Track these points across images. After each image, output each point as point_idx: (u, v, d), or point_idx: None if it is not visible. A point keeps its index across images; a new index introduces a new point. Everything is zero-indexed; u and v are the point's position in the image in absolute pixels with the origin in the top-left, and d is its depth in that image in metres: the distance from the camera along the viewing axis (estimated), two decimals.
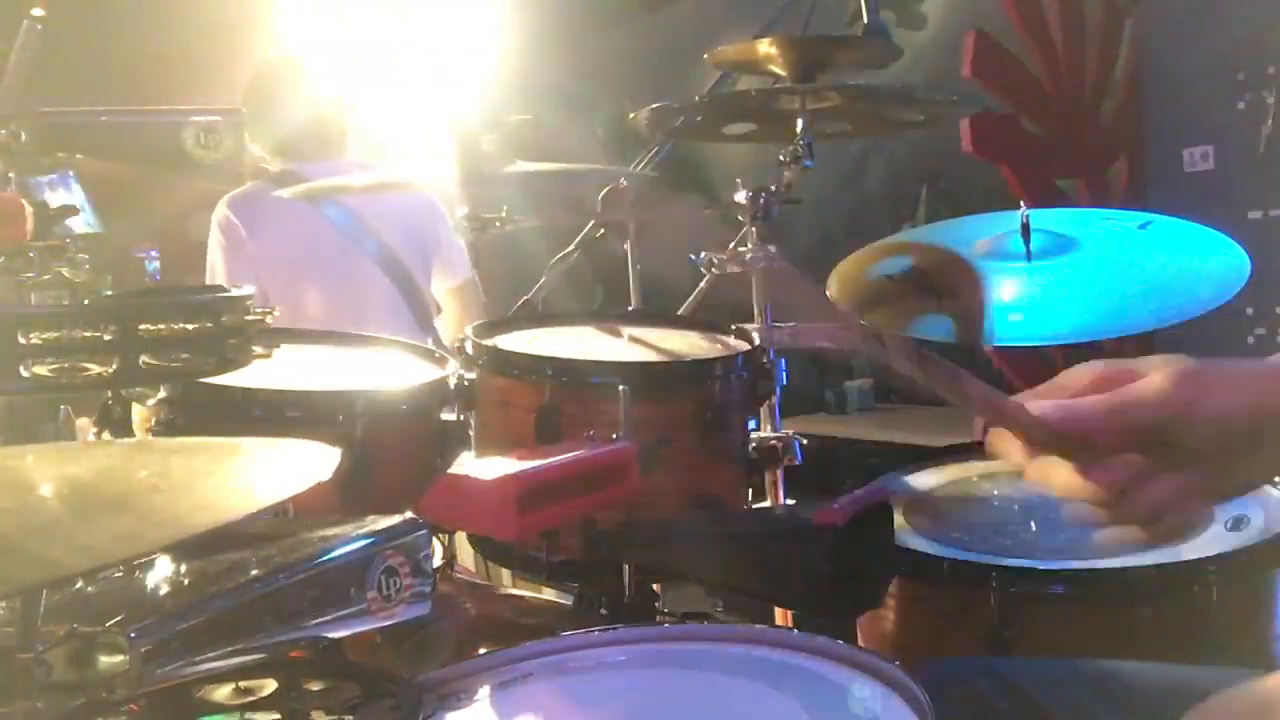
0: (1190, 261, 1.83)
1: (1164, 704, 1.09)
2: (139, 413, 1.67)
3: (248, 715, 1.03)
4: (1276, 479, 1.38)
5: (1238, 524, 1.55)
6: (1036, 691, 1.23)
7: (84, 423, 1.79)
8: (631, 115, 2.05)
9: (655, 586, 1.69)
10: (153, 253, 4.41)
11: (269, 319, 1.34)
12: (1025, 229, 1.86)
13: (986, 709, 1.20)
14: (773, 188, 1.98)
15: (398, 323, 2.92)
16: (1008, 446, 0.97)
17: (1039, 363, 3.65)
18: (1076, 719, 1.19)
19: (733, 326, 1.94)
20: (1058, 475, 0.94)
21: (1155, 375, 0.93)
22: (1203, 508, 0.97)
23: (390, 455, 1.68)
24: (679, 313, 2.24)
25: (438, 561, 1.77)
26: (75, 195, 3.74)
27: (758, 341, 1.88)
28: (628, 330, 1.93)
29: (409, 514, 1.24)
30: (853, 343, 1.27)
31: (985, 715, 1.20)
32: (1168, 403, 0.91)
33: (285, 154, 3.03)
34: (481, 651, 1.24)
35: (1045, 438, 0.94)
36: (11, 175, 1.78)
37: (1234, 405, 0.91)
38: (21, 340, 1.12)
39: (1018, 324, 1.86)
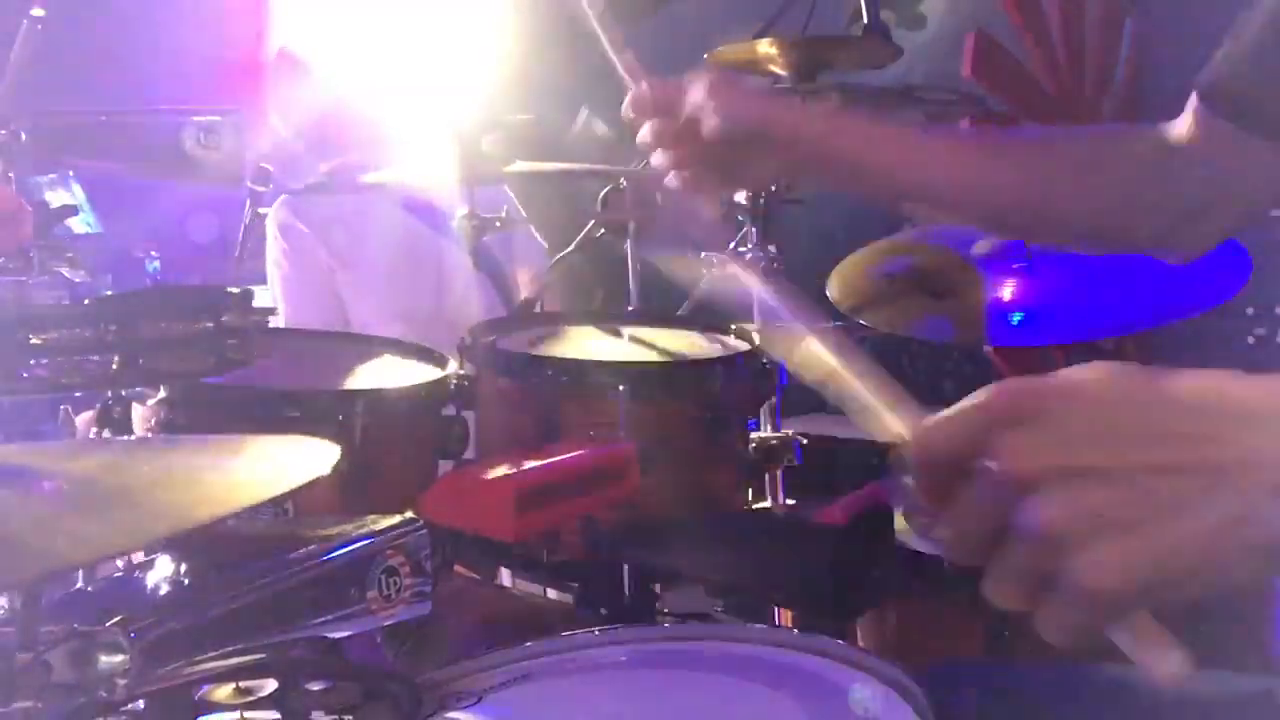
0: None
1: (1163, 710, 1.10)
2: (139, 413, 1.67)
3: (247, 715, 1.03)
4: None
5: None
6: (1037, 697, 1.23)
7: (86, 417, 1.79)
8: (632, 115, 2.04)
9: (655, 586, 1.69)
10: (152, 253, 4.41)
11: (270, 320, 1.34)
12: None
13: (986, 715, 1.20)
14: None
15: (483, 311, 2.72)
16: None
17: (1039, 363, 3.65)
18: None
19: (733, 326, 1.94)
20: None
21: None
22: None
23: (390, 455, 1.68)
24: (679, 313, 2.24)
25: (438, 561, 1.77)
26: (75, 195, 3.73)
27: (758, 341, 1.88)
28: (628, 330, 1.93)
29: (409, 514, 1.24)
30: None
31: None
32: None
33: (335, 148, 2.83)
34: (481, 651, 1.24)
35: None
36: (11, 175, 1.78)
37: None
38: (21, 340, 1.12)
39: (1018, 324, 1.86)
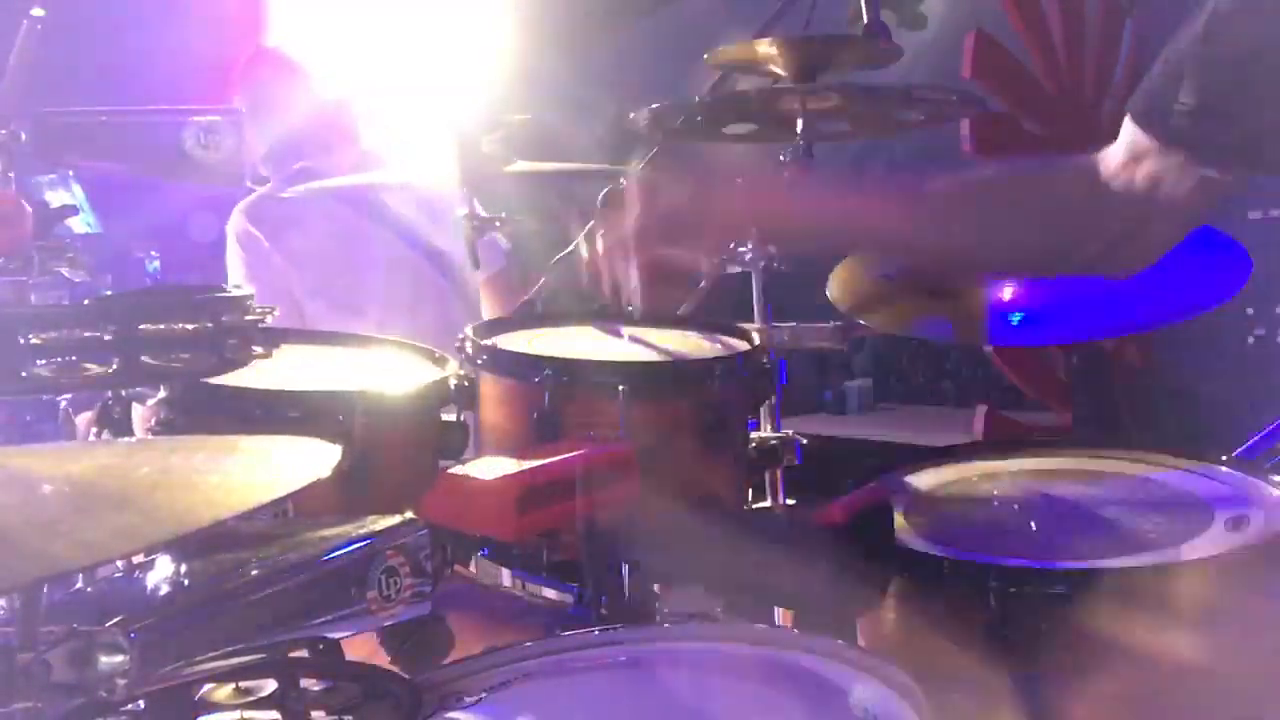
0: (1190, 261, 1.83)
1: None
2: (139, 413, 1.67)
3: (247, 715, 1.03)
4: None
5: (1238, 524, 1.55)
6: None
7: (84, 420, 1.79)
8: (631, 115, 2.05)
9: (655, 586, 1.69)
10: (152, 253, 4.41)
11: (269, 319, 1.34)
12: None
13: None
14: None
15: (448, 314, 2.79)
16: None
17: (1039, 363, 3.65)
18: None
19: (733, 326, 1.94)
20: None
21: None
22: None
23: (390, 455, 1.68)
24: (679, 313, 2.24)
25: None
26: (75, 195, 3.73)
27: (758, 341, 1.88)
28: (628, 330, 1.93)
29: (409, 514, 1.24)
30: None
31: None
32: None
33: (296, 152, 2.90)
34: (481, 651, 1.24)
35: None
36: (11, 175, 1.78)
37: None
38: (21, 340, 1.12)
39: (1018, 324, 1.86)
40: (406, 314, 2.67)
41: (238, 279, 2.80)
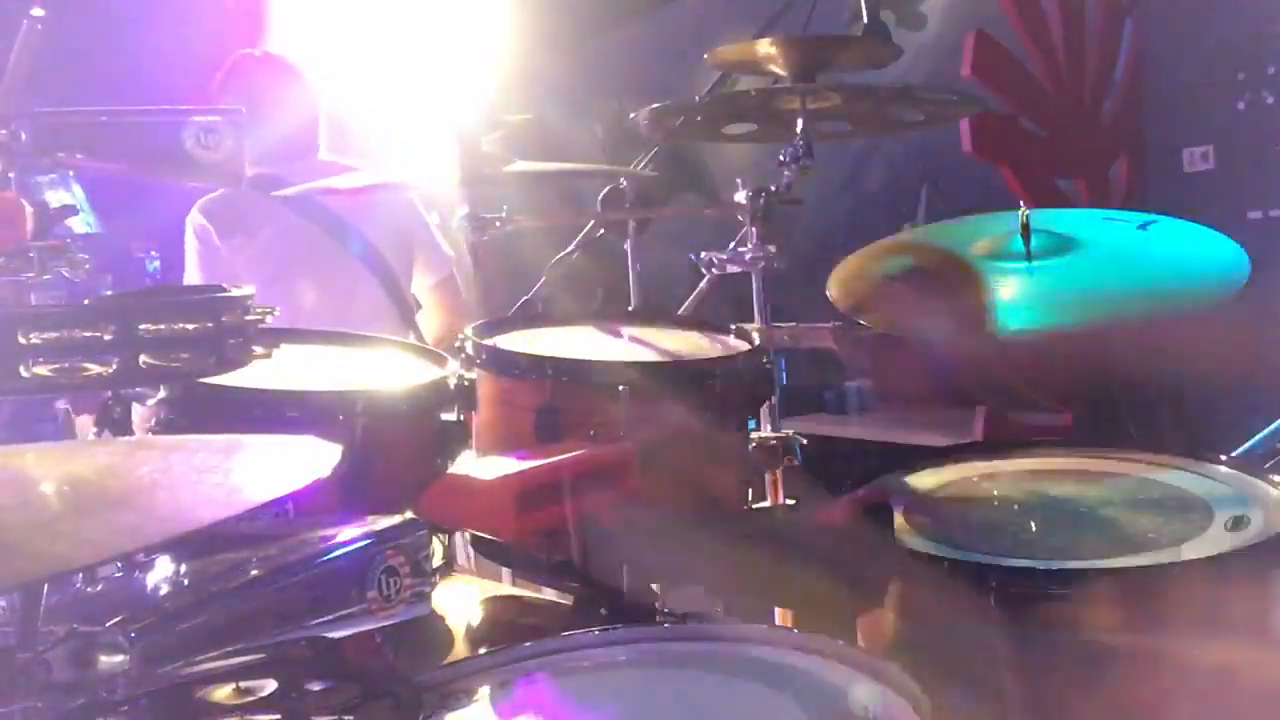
0: (1190, 261, 1.83)
1: None
2: (139, 413, 1.67)
3: (247, 715, 1.03)
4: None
5: (1238, 524, 1.55)
6: None
7: (84, 421, 1.79)
8: (631, 115, 2.05)
9: (655, 586, 1.69)
10: (152, 253, 4.41)
11: (268, 319, 1.34)
12: (1025, 229, 1.86)
13: None
14: (773, 188, 1.99)
15: (382, 321, 2.91)
16: None
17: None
18: None
19: (732, 326, 1.94)
20: None
21: None
22: None
23: (390, 455, 1.68)
24: (679, 313, 2.24)
25: (438, 561, 1.77)
26: (75, 195, 3.73)
27: (758, 341, 1.88)
28: (628, 330, 1.93)
29: (409, 514, 1.24)
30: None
31: None
32: None
33: (261, 156, 2.97)
34: (481, 651, 1.24)
35: None
36: (11, 175, 1.78)
37: None
38: (21, 340, 1.12)
39: (1018, 324, 1.85)
40: (337, 319, 2.74)
41: (191, 268, 2.99)
